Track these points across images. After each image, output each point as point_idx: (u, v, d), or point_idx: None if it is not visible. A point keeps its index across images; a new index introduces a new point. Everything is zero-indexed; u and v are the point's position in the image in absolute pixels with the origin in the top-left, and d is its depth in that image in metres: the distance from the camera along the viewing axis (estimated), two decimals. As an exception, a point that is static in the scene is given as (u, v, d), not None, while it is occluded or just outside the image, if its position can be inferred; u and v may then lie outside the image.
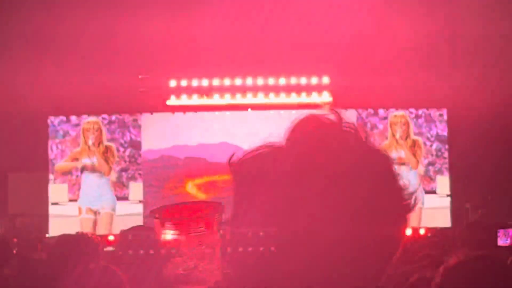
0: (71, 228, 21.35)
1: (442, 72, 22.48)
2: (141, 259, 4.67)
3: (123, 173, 23.63)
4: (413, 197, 1.59)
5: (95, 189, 23.21)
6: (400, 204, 1.56)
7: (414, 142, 23.78)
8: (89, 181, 23.38)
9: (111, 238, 19.36)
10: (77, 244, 5.34)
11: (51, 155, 23.61)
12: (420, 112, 23.93)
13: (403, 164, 23.52)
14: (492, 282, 3.06)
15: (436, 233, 16.82)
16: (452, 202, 23.24)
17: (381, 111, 23.87)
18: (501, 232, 6.88)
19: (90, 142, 23.50)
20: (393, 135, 23.76)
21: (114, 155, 23.53)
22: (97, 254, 5.41)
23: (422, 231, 19.60)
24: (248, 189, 1.51)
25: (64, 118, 23.63)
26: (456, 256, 3.19)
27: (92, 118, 23.66)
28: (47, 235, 21.57)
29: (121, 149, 23.69)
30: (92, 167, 23.42)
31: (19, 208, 22.72)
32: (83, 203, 23.21)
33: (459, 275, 3.06)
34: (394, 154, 23.69)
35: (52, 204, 23.19)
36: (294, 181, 1.45)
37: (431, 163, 23.83)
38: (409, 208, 1.58)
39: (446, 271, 3.11)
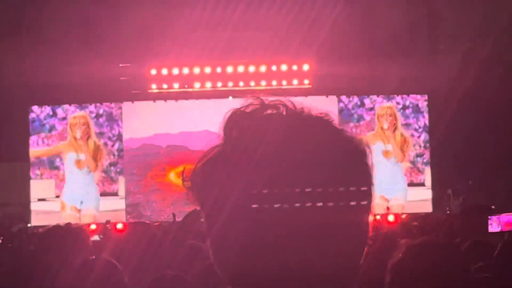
0: (54, 219, 21.31)
1: (423, 58, 22.55)
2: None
3: (112, 168, 23.52)
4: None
5: (81, 186, 22.99)
6: (368, 194, 1.55)
7: (405, 139, 23.75)
8: (75, 177, 23.22)
9: (93, 227, 19.34)
10: (67, 236, 5.32)
11: (36, 149, 23.49)
12: (407, 102, 23.93)
13: (390, 157, 23.59)
14: (440, 269, 3.02)
15: (417, 219, 16.85)
16: (433, 189, 23.34)
17: (367, 101, 23.87)
18: (492, 219, 6.93)
19: (78, 135, 23.33)
20: (381, 128, 23.77)
21: (103, 154, 23.32)
22: (87, 245, 5.39)
23: (392, 218, 19.58)
24: (213, 198, 1.51)
25: (50, 111, 23.48)
26: (401, 249, 3.15)
27: (80, 112, 23.51)
28: (28, 225, 21.47)
29: (109, 143, 23.57)
30: (78, 162, 23.22)
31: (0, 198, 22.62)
32: (68, 199, 23.11)
33: (407, 267, 3.03)
34: (381, 146, 23.74)
35: (39, 200, 23.09)
36: (252, 178, 1.45)
37: (419, 155, 23.86)
38: (371, 199, 1.56)
39: (394, 266, 3.08)
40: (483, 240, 5.90)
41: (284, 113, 1.56)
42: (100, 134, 23.51)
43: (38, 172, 23.37)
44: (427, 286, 2.96)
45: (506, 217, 7.08)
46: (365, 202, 1.54)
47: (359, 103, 23.93)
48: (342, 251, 1.49)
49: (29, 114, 23.38)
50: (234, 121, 1.55)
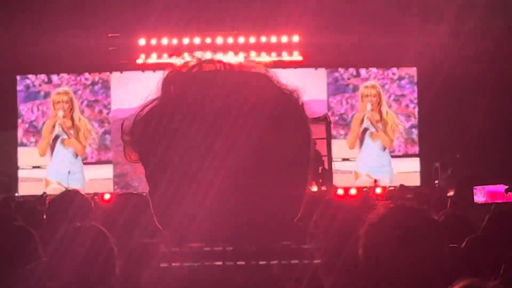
0: (42, 188, 21.26)
1: (412, 30, 22.50)
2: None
3: (107, 136, 23.48)
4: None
5: (67, 165, 22.85)
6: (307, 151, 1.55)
7: (388, 119, 23.71)
8: (62, 155, 23.15)
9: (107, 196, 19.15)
10: (72, 202, 5.33)
11: (31, 117, 23.44)
12: (403, 73, 23.93)
13: (376, 139, 23.59)
14: (416, 233, 3.02)
15: (410, 191, 16.91)
16: (421, 162, 23.40)
17: (363, 72, 23.86)
18: (477, 189, 6.93)
19: (60, 114, 23.25)
20: (365, 108, 23.77)
21: (88, 134, 23.20)
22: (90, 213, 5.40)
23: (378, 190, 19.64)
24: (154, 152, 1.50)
25: (45, 78, 23.44)
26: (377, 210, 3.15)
27: (64, 88, 23.46)
28: (16, 194, 21.41)
29: (105, 111, 23.54)
30: (63, 141, 23.13)
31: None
32: (52, 176, 22.99)
33: (381, 229, 3.02)
34: (369, 127, 23.77)
35: (34, 167, 23.11)
36: (194, 134, 1.45)
37: (414, 126, 23.87)
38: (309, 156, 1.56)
39: (368, 228, 3.08)
40: (460, 214, 5.90)
41: (222, 69, 1.55)
42: (95, 102, 23.47)
43: (32, 139, 23.37)
44: (400, 250, 2.96)
45: (491, 187, 7.07)
46: (303, 160, 1.54)
47: (354, 73, 23.93)
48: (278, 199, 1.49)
49: (16, 83, 23.32)
50: (172, 77, 1.55)
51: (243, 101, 1.48)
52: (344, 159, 23.24)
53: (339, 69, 23.87)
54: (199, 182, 1.46)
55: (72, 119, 23.25)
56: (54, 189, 21.64)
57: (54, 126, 23.21)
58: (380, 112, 23.81)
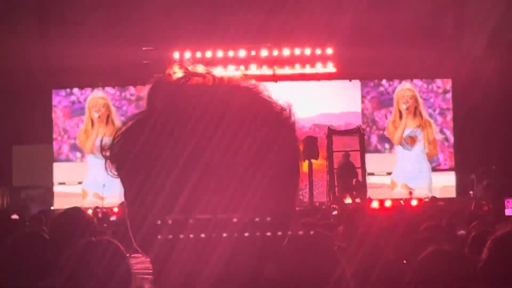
0: (77, 202, 21.34)
1: (447, 42, 22.36)
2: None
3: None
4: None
5: (103, 172, 22.72)
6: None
7: (425, 123, 23.51)
8: (97, 163, 23.19)
9: (115, 209, 19.32)
10: (77, 219, 5.31)
11: (77, 132, 23.64)
12: (439, 83, 23.69)
13: (415, 143, 23.38)
14: None
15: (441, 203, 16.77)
16: (457, 174, 23.19)
17: (408, 85, 23.74)
18: (509, 202, 6.81)
19: (95, 116, 23.38)
20: (400, 111, 23.59)
21: None
22: (93, 229, 5.37)
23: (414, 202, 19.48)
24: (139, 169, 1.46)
25: (91, 93, 23.66)
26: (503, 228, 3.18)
27: (100, 93, 23.65)
28: (51, 207, 21.53)
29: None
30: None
31: (23, 180, 22.72)
32: (89, 187, 22.98)
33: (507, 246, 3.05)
34: (406, 132, 23.58)
35: (79, 183, 23.31)
36: (177, 145, 1.41)
37: (449, 138, 23.64)
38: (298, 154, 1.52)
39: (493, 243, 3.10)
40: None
41: (210, 82, 1.50)
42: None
43: (78, 154, 23.55)
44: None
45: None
46: (291, 180, 1.49)
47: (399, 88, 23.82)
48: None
49: (52, 96, 23.53)
50: (159, 89, 1.51)
51: (229, 116, 1.43)
52: (388, 173, 23.09)
53: (383, 82, 23.72)
54: (181, 200, 1.41)
55: (107, 124, 23.35)
56: (91, 202, 21.77)
57: (88, 132, 23.35)
58: (419, 116, 23.60)
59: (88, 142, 23.39)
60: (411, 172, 22.99)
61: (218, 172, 1.40)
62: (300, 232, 1.68)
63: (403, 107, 23.61)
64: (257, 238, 1.42)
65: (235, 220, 1.41)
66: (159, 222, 1.41)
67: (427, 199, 20.18)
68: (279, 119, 1.49)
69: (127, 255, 3.79)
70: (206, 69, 1.53)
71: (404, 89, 23.75)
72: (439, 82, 23.74)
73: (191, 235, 1.40)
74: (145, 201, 1.44)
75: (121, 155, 1.49)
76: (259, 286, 1.46)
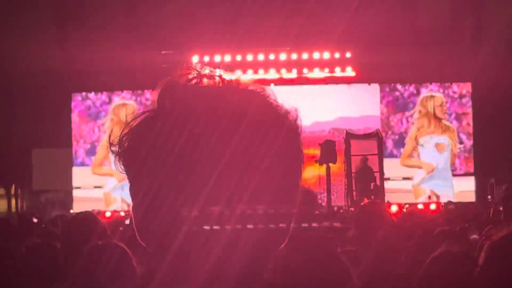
0: (97, 206, 21.37)
1: (466, 46, 22.29)
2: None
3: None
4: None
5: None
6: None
7: (448, 128, 23.41)
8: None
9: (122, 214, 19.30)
10: (87, 223, 5.33)
11: (93, 137, 23.73)
12: (464, 91, 23.55)
13: (443, 150, 23.28)
14: None
15: (459, 207, 16.73)
16: (476, 179, 23.10)
17: (424, 90, 23.63)
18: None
19: (122, 114, 23.41)
20: (428, 119, 23.52)
21: None
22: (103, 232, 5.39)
23: (433, 206, 19.42)
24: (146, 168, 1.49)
25: (106, 98, 23.71)
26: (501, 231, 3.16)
27: (128, 101, 23.74)
28: (71, 211, 21.61)
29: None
30: None
31: (43, 184, 22.83)
32: (116, 192, 22.87)
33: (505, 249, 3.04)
34: (434, 139, 23.51)
35: (95, 187, 23.34)
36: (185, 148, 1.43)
37: (469, 143, 23.54)
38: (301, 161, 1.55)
39: (491, 247, 3.09)
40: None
41: (220, 84, 1.54)
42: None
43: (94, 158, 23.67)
44: None
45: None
46: (292, 184, 1.53)
47: (414, 91, 23.73)
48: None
49: (71, 100, 23.62)
50: (168, 90, 1.53)
51: (234, 118, 1.47)
52: (404, 178, 23.02)
53: (398, 86, 23.66)
54: (185, 198, 1.44)
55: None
56: (120, 207, 21.72)
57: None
58: (441, 122, 23.53)
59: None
60: (437, 181, 22.93)
61: (219, 174, 1.44)
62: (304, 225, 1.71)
63: (430, 112, 23.52)
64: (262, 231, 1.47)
65: (250, 212, 1.45)
66: (185, 213, 1.45)
67: (444, 203, 20.15)
68: (283, 122, 1.53)
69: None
70: (215, 71, 1.55)
71: (428, 96, 23.64)
72: (455, 87, 23.64)
73: (217, 227, 1.45)
74: (158, 196, 1.47)
75: (130, 151, 1.52)
76: (259, 285, 1.49)
